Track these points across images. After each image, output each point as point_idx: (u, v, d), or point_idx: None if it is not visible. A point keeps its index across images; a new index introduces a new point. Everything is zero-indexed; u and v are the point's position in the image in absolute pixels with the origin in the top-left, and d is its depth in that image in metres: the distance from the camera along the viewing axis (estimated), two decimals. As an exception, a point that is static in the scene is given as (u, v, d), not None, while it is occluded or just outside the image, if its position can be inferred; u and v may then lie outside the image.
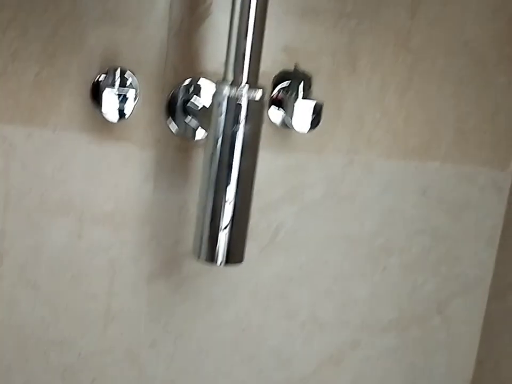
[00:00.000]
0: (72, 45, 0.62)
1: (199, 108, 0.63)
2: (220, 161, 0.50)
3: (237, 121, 0.49)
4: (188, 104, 0.64)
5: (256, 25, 0.50)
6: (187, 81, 0.65)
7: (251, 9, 0.49)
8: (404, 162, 0.71)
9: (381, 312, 0.74)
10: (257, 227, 0.70)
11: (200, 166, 0.67)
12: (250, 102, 0.50)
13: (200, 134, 0.66)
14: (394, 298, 0.74)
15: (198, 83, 0.65)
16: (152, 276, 0.69)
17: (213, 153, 0.51)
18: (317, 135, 0.68)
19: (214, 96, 0.51)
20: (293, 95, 0.62)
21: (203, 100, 0.64)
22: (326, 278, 0.73)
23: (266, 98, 0.66)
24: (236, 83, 0.50)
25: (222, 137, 0.50)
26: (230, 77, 0.50)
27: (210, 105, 0.53)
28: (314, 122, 0.61)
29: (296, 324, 0.73)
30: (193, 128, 0.65)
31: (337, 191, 0.71)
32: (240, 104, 0.50)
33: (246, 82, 0.50)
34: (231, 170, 0.50)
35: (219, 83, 0.51)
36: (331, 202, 0.71)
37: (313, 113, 0.60)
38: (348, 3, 0.66)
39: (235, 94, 0.49)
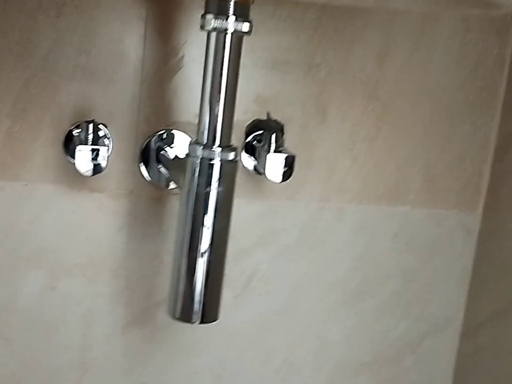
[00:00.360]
0: (43, 99, 0.62)
1: (172, 159, 0.63)
2: (193, 222, 0.51)
3: (209, 183, 0.50)
4: (160, 155, 0.64)
5: (228, 87, 0.50)
6: (160, 132, 0.65)
7: (223, 71, 0.50)
8: (374, 208, 0.72)
9: (355, 355, 0.75)
10: (231, 273, 0.70)
11: (173, 215, 0.68)
12: (223, 163, 0.50)
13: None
14: (367, 341, 0.75)
15: (171, 132, 0.66)
16: (126, 327, 0.68)
17: (186, 215, 0.51)
18: (290, 182, 0.69)
19: (187, 157, 0.52)
20: (265, 146, 0.63)
21: (175, 150, 0.65)
22: (300, 323, 0.73)
23: (239, 146, 0.67)
24: (208, 145, 0.51)
25: (196, 198, 0.51)
26: (204, 139, 0.51)
27: (183, 160, 0.53)
28: (287, 174, 0.61)
29: (271, 369, 0.73)
30: (167, 177, 0.66)
31: (310, 236, 0.72)
32: (213, 165, 0.50)
33: (219, 145, 0.50)
34: (204, 232, 0.50)
35: (192, 144, 0.52)
36: (304, 248, 0.72)
37: (285, 166, 0.61)
38: (317, 54, 0.67)
39: (208, 156, 0.50)
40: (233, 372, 0.72)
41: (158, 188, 0.67)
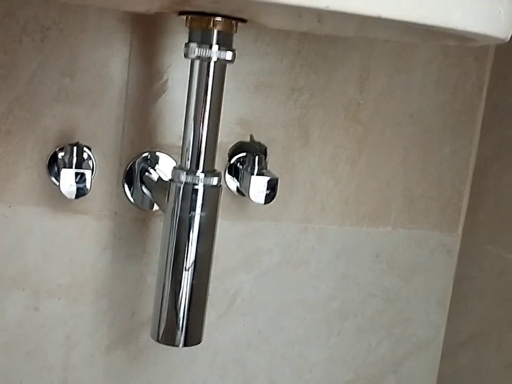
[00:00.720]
0: (27, 122, 0.62)
1: (155, 181, 0.63)
2: (176, 246, 0.51)
3: (193, 208, 0.50)
4: (144, 176, 0.65)
5: (211, 114, 0.51)
6: (144, 154, 0.66)
7: (207, 98, 0.51)
8: (356, 229, 0.73)
9: (337, 375, 0.76)
10: (215, 294, 0.71)
11: (157, 236, 0.68)
12: (207, 188, 0.51)
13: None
14: (349, 361, 0.76)
15: (155, 154, 0.66)
16: (110, 348, 0.68)
17: (170, 238, 0.51)
18: (273, 203, 0.70)
19: (170, 182, 0.52)
20: (249, 168, 0.64)
21: (159, 172, 0.65)
22: (283, 343, 0.74)
23: (223, 167, 0.68)
24: (192, 170, 0.51)
25: (179, 222, 0.51)
26: (187, 164, 0.51)
27: (166, 183, 0.54)
28: (270, 197, 0.62)
29: (254, 389, 0.74)
30: (150, 199, 0.66)
31: (292, 257, 0.72)
32: (197, 190, 0.51)
33: (202, 170, 0.51)
34: (187, 256, 0.51)
35: (176, 169, 0.52)
36: (287, 268, 0.72)
37: (268, 189, 0.61)
38: (300, 78, 0.68)
39: (191, 182, 0.51)
40: (216, 392, 0.73)
41: (141, 209, 0.67)
